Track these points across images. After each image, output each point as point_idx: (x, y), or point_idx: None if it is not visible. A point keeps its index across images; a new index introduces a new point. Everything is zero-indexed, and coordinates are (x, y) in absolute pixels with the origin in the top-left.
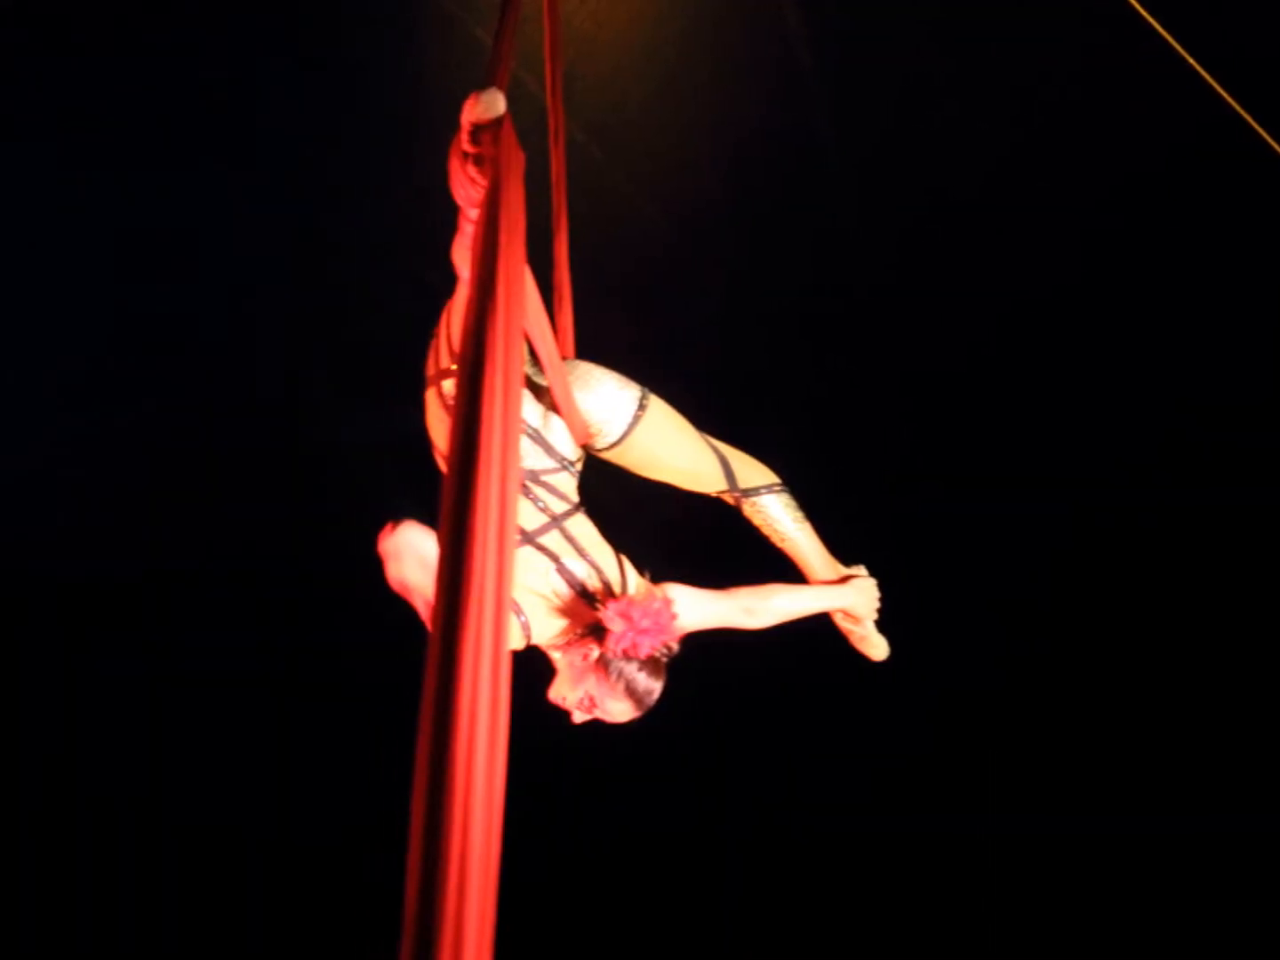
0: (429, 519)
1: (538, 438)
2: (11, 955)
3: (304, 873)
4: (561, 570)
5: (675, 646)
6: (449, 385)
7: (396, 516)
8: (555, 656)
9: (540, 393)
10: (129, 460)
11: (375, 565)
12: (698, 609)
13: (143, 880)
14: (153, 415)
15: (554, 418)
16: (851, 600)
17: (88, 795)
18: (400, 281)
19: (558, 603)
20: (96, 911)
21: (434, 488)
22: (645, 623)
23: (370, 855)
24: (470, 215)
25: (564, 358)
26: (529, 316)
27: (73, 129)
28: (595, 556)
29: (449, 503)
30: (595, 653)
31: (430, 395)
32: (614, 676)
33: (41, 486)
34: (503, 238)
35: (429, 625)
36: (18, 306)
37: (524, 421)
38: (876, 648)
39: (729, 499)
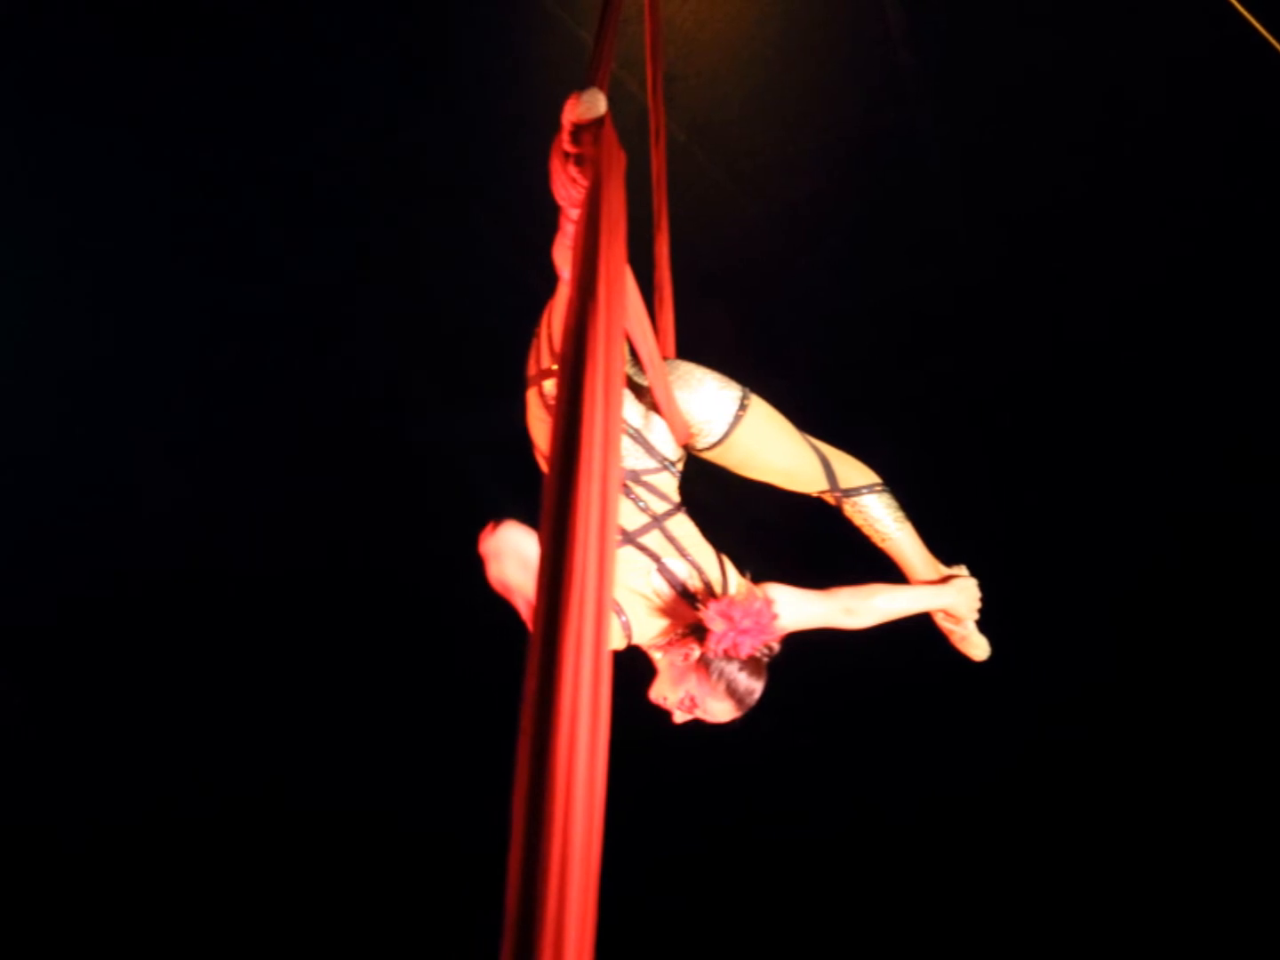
0: (530, 519)
1: (639, 438)
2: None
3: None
4: (662, 570)
5: (776, 646)
6: (550, 385)
7: (497, 516)
8: (656, 656)
9: (641, 393)
10: (230, 460)
11: (476, 565)
12: (799, 609)
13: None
14: (251, 415)
15: (655, 418)
16: (952, 600)
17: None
18: (501, 281)
19: (659, 603)
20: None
21: (535, 488)
22: (746, 623)
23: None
24: (571, 215)
25: (665, 358)
26: (630, 316)
27: (171, 129)
28: (696, 556)
29: (550, 503)
30: (696, 653)
31: (531, 395)
32: (715, 676)
33: (134, 487)
34: (604, 238)
35: (530, 625)
36: (112, 304)
37: (625, 421)
38: (978, 648)
39: (830, 499)
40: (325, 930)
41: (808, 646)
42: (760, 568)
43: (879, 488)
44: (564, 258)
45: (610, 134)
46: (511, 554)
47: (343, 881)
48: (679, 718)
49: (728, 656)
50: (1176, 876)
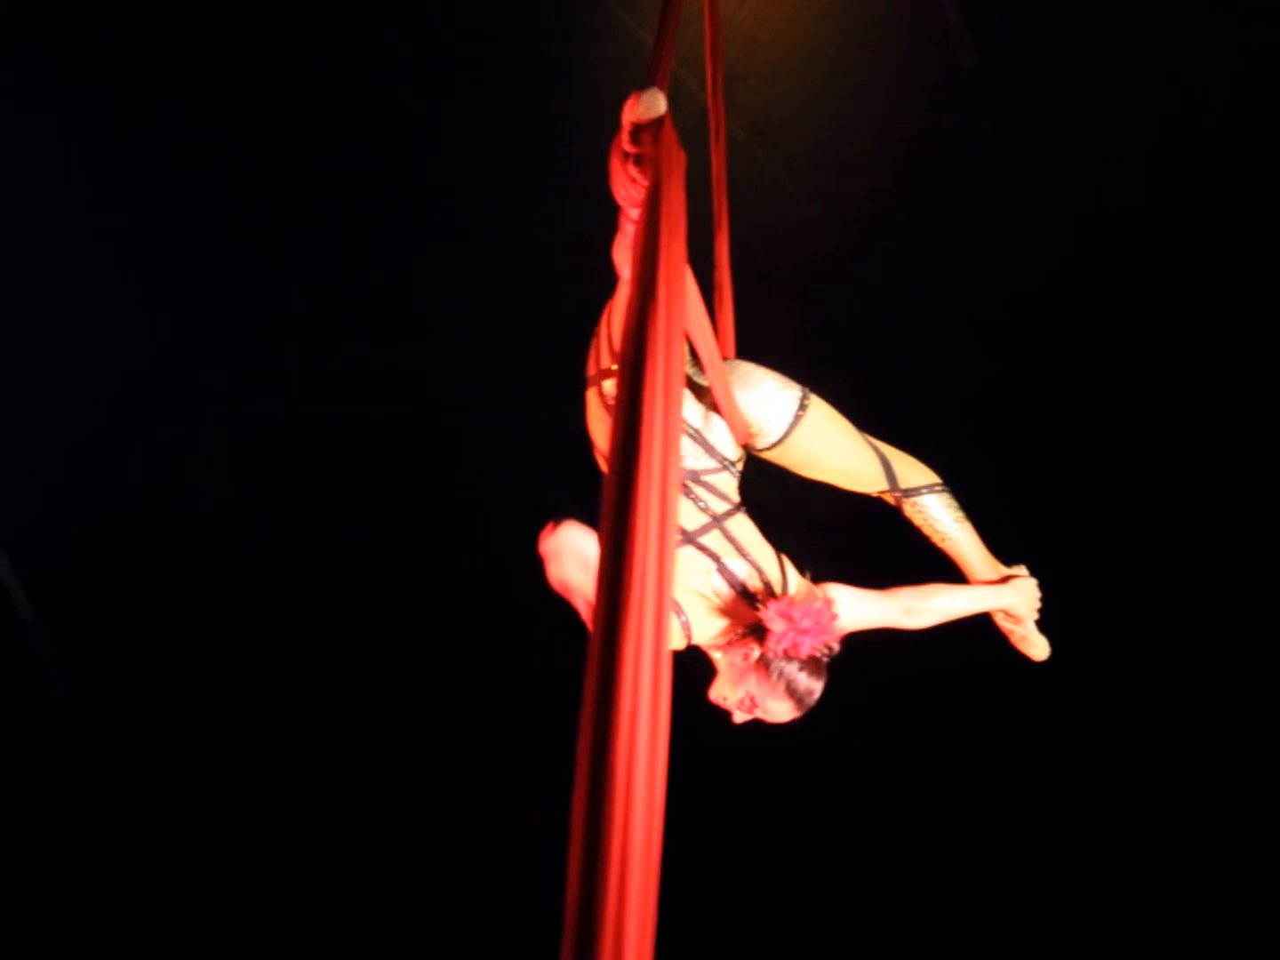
0: (590, 519)
1: (699, 438)
2: None
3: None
4: (722, 570)
5: (836, 646)
6: (610, 385)
7: (557, 516)
8: (716, 656)
9: (701, 393)
10: (291, 458)
11: (536, 565)
12: (858, 609)
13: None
14: (312, 415)
15: (715, 418)
16: (1012, 600)
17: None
18: (561, 281)
19: (718, 603)
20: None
21: (595, 488)
22: (806, 623)
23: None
24: (631, 215)
25: (725, 357)
26: (690, 316)
27: (232, 131)
28: (756, 556)
29: (610, 503)
30: (756, 653)
31: (591, 395)
32: (775, 676)
33: (203, 486)
34: (663, 238)
35: (589, 625)
36: (166, 306)
37: (685, 421)
38: (1037, 648)
39: (890, 499)
40: (352, 931)
41: (868, 646)
42: (820, 568)
43: (939, 488)
44: (624, 258)
45: (670, 134)
46: (571, 554)
47: (386, 883)
48: (739, 718)
49: (788, 656)
50: (1237, 876)
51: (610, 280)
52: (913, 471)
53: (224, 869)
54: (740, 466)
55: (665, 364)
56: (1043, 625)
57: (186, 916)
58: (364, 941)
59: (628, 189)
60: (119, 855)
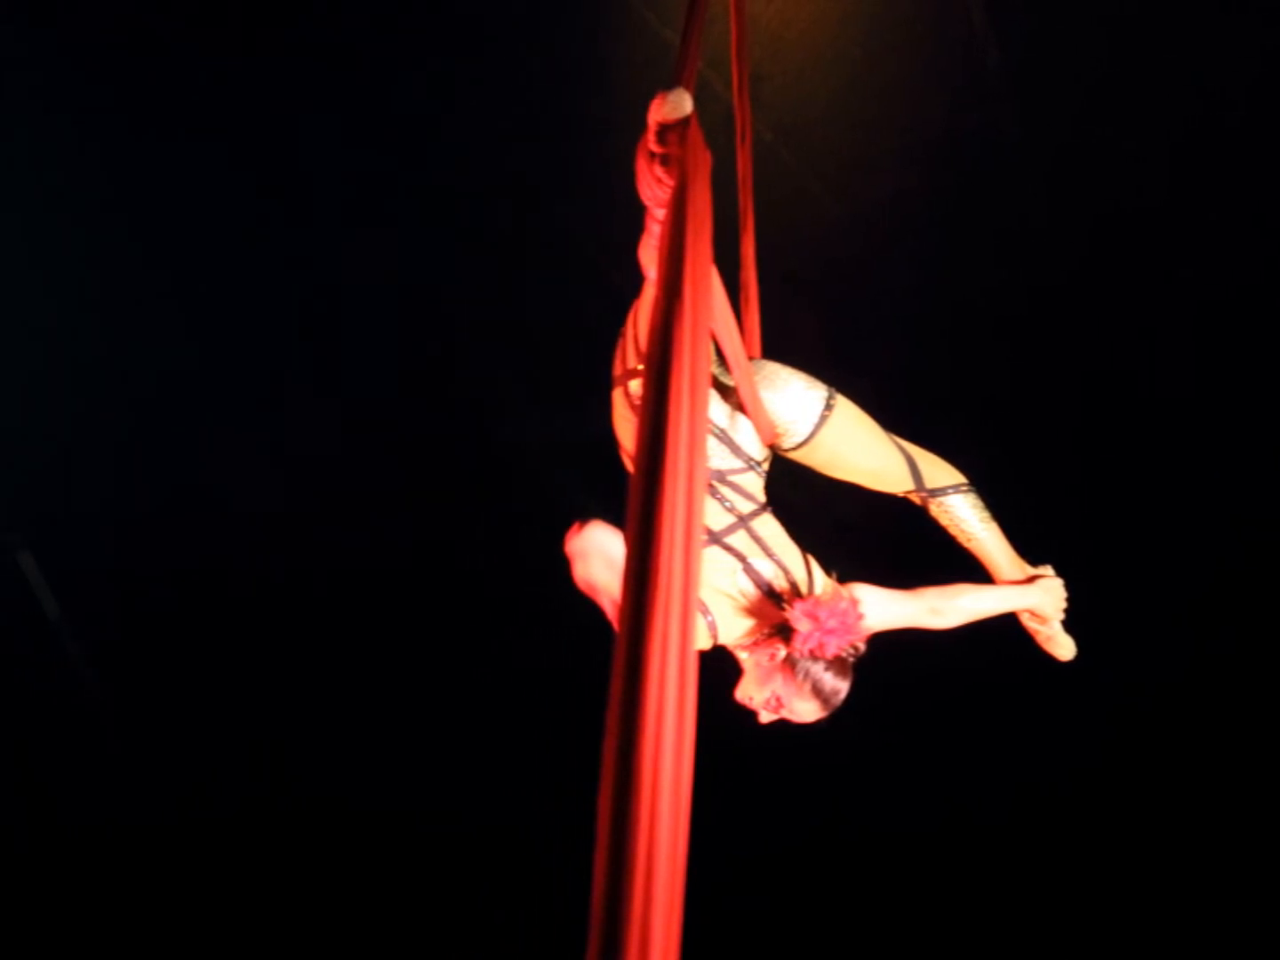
0: (616, 519)
1: (724, 438)
2: None
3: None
4: (748, 570)
5: (862, 647)
6: (636, 385)
7: (583, 516)
8: (742, 656)
9: (727, 393)
10: (313, 460)
11: (562, 565)
12: (884, 609)
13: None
14: (337, 416)
15: (741, 418)
16: (1038, 600)
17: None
18: (587, 281)
19: (744, 603)
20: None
21: (621, 488)
22: (832, 623)
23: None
24: (657, 215)
25: (750, 358)
26: (715, 316)
27: (250, 133)
28: (782, 556)
29: (636, 503)
30: (782, 653)
31: (617, 395)
32: (801, 676)
33: (227, 485)
34: (689, 238)
35: (616, 625)
36: (193, 306)
37: (711, 422)
38: (1063, 648)
39: (916, 499)
40: (359, 931)
41: (894, 646)
42: (846, 567)
43: (965, 488)
44: (650, 258)
45: (696, 134)
46: (597, 554)
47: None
48: (765, 718)
49: (813, 656)
50: (1260, 875)
51: (636, 280)
52: (939, 471)
53: (231, 868)
54: (766, 466)
55: (691, 364)
56: (1068, 625)
57: (195, 915)
58: (371, 941)
59: (654, 189)
60: (130, 853)
